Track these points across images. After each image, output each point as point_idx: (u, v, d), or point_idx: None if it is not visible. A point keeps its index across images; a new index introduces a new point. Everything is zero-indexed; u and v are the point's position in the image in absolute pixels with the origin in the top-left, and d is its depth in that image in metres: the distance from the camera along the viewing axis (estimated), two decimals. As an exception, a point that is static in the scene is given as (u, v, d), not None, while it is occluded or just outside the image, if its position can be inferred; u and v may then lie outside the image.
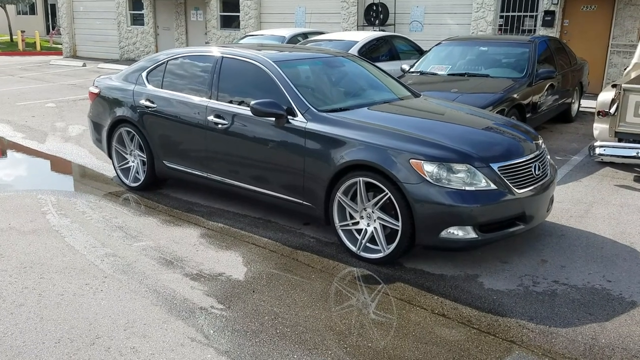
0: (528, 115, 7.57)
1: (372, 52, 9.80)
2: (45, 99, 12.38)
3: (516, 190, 4.10)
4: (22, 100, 12.29)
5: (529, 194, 4.18)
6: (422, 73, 8.31)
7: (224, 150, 5.07)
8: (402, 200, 4.01)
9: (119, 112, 5.90)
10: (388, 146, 4.11)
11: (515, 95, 7.27)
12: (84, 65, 19.75)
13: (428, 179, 3.94)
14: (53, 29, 31.73)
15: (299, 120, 4.57)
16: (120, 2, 20.38)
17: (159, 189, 5.99)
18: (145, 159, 5.79)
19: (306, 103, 4.63)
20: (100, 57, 21.65)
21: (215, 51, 5.38)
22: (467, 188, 3.94)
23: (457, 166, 3.98)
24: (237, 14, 17.54)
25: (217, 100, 5.15)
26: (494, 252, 4.49)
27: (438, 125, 4.57)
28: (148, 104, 5.62)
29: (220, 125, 5.03)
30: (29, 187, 6.03)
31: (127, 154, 6.04)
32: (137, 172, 5.96)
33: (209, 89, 5.23)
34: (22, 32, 28.05)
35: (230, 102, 5.06)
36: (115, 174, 6.21)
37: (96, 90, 6.29)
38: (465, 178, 3.97)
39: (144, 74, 5.87)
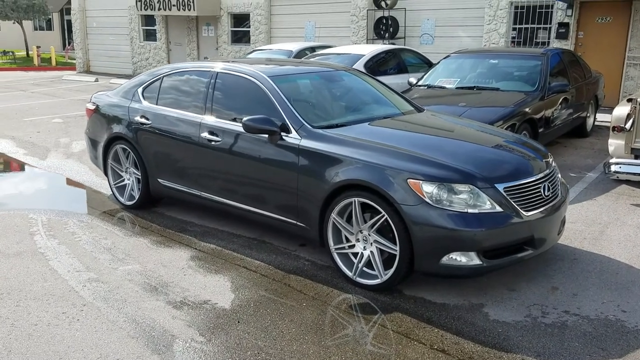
0: (540, 130, 7.27)
1: (379, 65, 9.58)
2: (52, 115, 12.32)
3: (524, 212, 3.81)
4: (29, 115, 12.24)
5: (538, 216, 3.89)
6: (429, 86, 8.06)
7: (218, 168, 4.85)
8: (400, 222, 3.74)
9: (115, 128, 5.73)
10: (384, 165, 3.86)
11: (526, 110, 6.98)
12: (96, 80, 19.80)
13: (427, 200, 3.67)
14: (69, 44, 32.04)
15: (292, 137, 4.34)
16: (133, 17, 20.46)
17: (154, 207, 5.79)
18: (140, 177, 5.60)
19: (300, 119, 4.40)
20: (113, 72, 21.72)
21: (210, 66, 5.18)
22: (470, 210, 3.66)
23: (459, 187, 3.71)
24: (248, 29, 17.46)
25: (211, 116, 4.94)
26: (501, 278, 4.20)
27: (440, 142, 4.31)
28: (143, 120, 5.44)
29: (213, 142, 4.82)
30: (22, 206, 5.87)
31: (122, 171, 5.86)
32: (132, 190, 5.76)
33: (204, 105, 5.03)
34: (38, 47, 28.32)
35: (225, 118, 4.85)
36: (111, 192, 6.02)
37: (93, 107, 6.13)
38: (468, 199, 3.70)
39: (139, 90, 5.69)
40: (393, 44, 13.83)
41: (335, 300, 3.86)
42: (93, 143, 6.12)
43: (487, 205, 3.71)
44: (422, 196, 3.69)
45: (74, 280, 4.09)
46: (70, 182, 6.87)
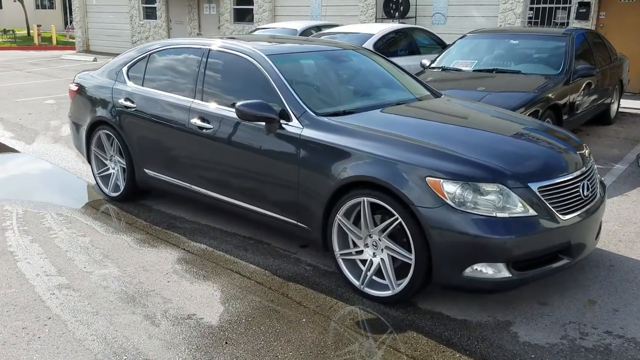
0: (565, 118, 6.69)
1: (389, 45, 8.96)
2: (46, 95, 11.78)
3: (560, 216, 3.27)
4: (23, 96, 11.71)
5: (575, 220, 3.35)
6: (444, 69, 7.46)
7: (209, 159, 4.31)
8: (416, 227, 3.21)
9: (98, 112, 5.19)
10: (399, 159, 3.31)
11: (550, 95, 6.39)
12: (95, 60, 19.19)
13: (449, 202, 3.13)
14: (70, 23, 31.38)
15: (293, 126, 3.79)
16: (134, -5, 19.80)
17: (142, 200, 5.26)
18: (125, 166, 5.07)
19: (302, 105, 3.85)
20: (113, 51, 21.08)
21: (203, 43, 4.62)
22: (499, 214, 3.12)
23: (486, 186, 3.16)
24: (251, 7, 16.79)
25: (202, 100, 4.39)
26: (531, 288, 3.66)
27: (462, 132, 3.76)
28: (127, 103, 4.89)
29: (204, 130, 4.27)
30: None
31: (106, 159, 5.33)
32: (118, 180, 5.24)
33: (194, 88, 4.48)
34: (39, 26, 27.66)
35: (217, 103, 4.30)
36: (95, 182, 5.50)
37: (75, 88, 5.59)
38: (497, 201, 3.15)
39: (124, 69, 5.14)
40: (403, 23, 13.16)
41: (339, 314, 3.34)
42: (76, 127, 5.59)
43: (519, 207, 3.17)
44: (442, 197, 3.14)
45: (42, 287, 3.59)
46: (54, 169, 6.35)
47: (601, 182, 3.98)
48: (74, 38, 23.86)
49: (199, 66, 4.49)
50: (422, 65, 7.88)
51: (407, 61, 8.78)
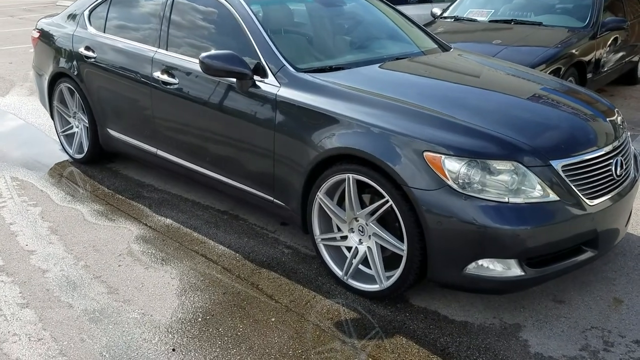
0: (589, 76, 5.98)
1: (397, -7, 8.15)
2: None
3: (587, 201, 2.66)
4: (8, 44, 11.06)
5: (605, 205, 2.74)
6: (457, 19, 6.70)
7: (176, 120, 3.71)
8: (410, 213, 2.61)
9: (58, 63, 4.57)
10: (391, 129, 2.69)
11: (574, 51, 5.67)
12: (92, 6, 18.32)
13: (451, 183, 2.52)
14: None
15: (269, 84, 3.16)
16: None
17: (110, 163, 4.70)
18: (88, 125, 4.49)
19: (280, 58, 3.20)
20: (111, -3, 20.16)
21: (171, -18, 3.94)
22: (512, 200, 2.52)
23: (499, 164, 2.55)
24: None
25: (166, 50, 3.76)
26: (547, 283, 3.08)
27: (471, 94, 3.11)
28: (87, 53, 4.27)
29: (169, 86, 3.65)
30: (-49, 156, 4.81)
31: (69, 116, 4.74)
32: (82, 140, 4.66)
33: (158, 35, 3.83)
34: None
35: (183, 53, 3.66)
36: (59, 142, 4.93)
37: (37, 34, 4.96)
38: (510, 183, 2.54)
39: (85, 13, 4.48)
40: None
41: (316, 312, 2.80)
42: (38, 80, 4.98)
43: (537, 191, 2.56)
44: (443, 177, 2.53)
45: (-30, 270, 3.07)
46: (21, 125, 5.78)
47: (635, 157, 3.36)
48: (72, -17, 22.91)
49: (164, 9, 3.83)
50: (433, 15, 7.12)
51: (417, 10, 8.03)
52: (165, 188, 4.24)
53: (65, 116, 4.76)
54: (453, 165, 2.53)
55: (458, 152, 2.54)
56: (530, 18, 6.31)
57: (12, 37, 11.93)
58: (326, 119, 2.89)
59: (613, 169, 2.83)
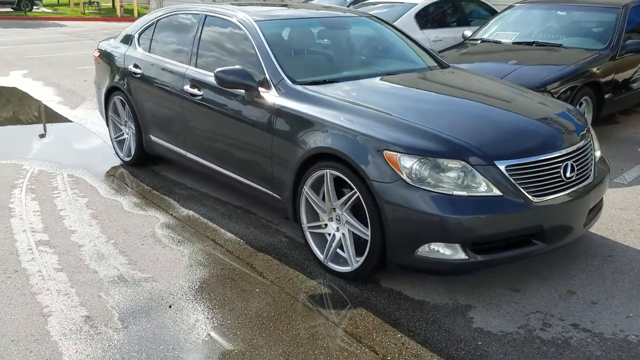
0: (607, 96, 6.18)
1: (434, 16, 8.60)
2: (107, 64, 12.27)
3: (532, 197, 3.03)
4: (85, 64, 12.25)
5: (553, 202, 3.09)
6: (483, 41, 7.06)
7: (199, 126, 4.34)
8: (372, 202, 3.08)
9: (113, 78, 5.34)
10: (360, 132, 3.18)
11: (591, 70, 5.91)
12: (166, 30, 19.75)
13: (405, 177, 2.97)
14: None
15: (271, 94, 3.73)
16: (205, -34, 20.13)
17: (153, 165, 5.39)
18: (135, 132, 5.21)
19: (281, 73, 3.76)
20: (185, 23, 21.64)
21: (202, 9, 4.61)
22: (456, 192, 2.93)
23: (448, 162, 2.98)
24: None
25: (195, 67, 4.41)
26: (508, 273, 3.44)
27: (441, 103, 3.56)
28: (135, 69, 5.00)
29: (195, 97, 4.29)
30: (21, 156, 5.65)
31: (121, 124, 5.49)
32: (131, 145, 5.39)
33: (189, 54, 4.49)
34: (121, -2, 28.78)
35: (208, 69, 4.29)
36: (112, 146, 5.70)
37: (97, 54, 5.77)
38: (457, 179, 2.96)
39: (136, 36, 5.24)
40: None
41: (295, 287, 3.29)
42: (98, 93, 5.79)
43: (482, 187, 2.96)
44: (398, 172, 2.99)
45: (23, 242, 3.77)
46: (84, 133, 6.63)
47: (602, 163, 3.66)
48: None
49: (196, 32, 4.49)
50: (464, 37, 7.50)
51: (452, 33, 8.43)
52: (194, 187, 4.87)
53: (118, 124, 5.52)
54: (407, 162, 2.98)
55: (411, 151, 2.99)
56: (553, 40, 6.59)
57: (89, 58, 13.17)
58: (310, 124, 3.41)
59: (562, 171, 3.18)
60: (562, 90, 5.59)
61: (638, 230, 4.05)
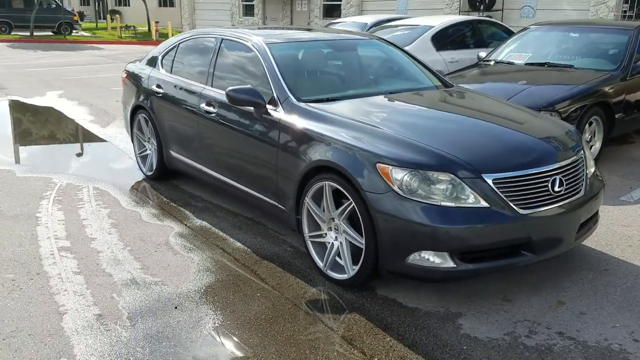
0: (618, 116, 6.24)
1: (451, 38, 8.78)
2: (139, 85, 12.78)
3: (519, 210, 3.17)
4: (118, 85, 12.76)
5: (540, 214, 3.22)
6: (497, 62, 7.22)
7: (213, 142, 4.60)
8: (366, 212, 3.26)
9: (137, 97, 5.67)
10: (356, 146, 3.38)
11: (601, 90, 6.01)
12: (197, 53, 20.40)
13: (396, 189, 3.15)
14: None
15: (277, 111, 3.96)
16: (236, -8, 20.81)
17: (173, 180, 5.67)
18: (156, 148, 5.51)
19: (287, 91, 4.00)
20: (216, 46, 22.31)
21: (219, 33, 4.91)
22: (445, 203, 3.09)
23: (437, 175, 3.15)
24: (339, 2, 17.02)
25: (211, 86, 4.68)
26: (503, 284, 3.57)
27: (436, 120, 3.75)
28: (157, 89, 5.31)
29: (210, 114, 4.56)
30: (51, 170, 6.00)
31: (145, 141, 5.80)
32: (153, 161, 5.69)
33: (206, 75, 4.78)
34: (157, 22, 29.77)
35: (221, 88, 4.56)
36: (136, 161, 6.01)
37: (125, 75, 6.13)
38: (446, 191, 3.13)
39: (159, 58, 5.57)
40: (489, 17, 12.75)
41: (295, 293, 3.47)
42: (125, 112, 6.13)
43: (470, 199, 3.12)
44: (390, 184, 3.17)
45: (47, 248, 4.05)
46: (112, 149, 6.98)
47: (596, 178, 3.77)
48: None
49: (213, 54, 4.78)
50: (478, 58, 7.68)
51: (468, 54, 8.58)
52: (210, 199, 5.12)
53: (142, 141, 5.83)
54: (398, 174, 3.16)
55: (402, 164, 3.17)
56: (564, 61, 6.70)
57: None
58: (312, 138, 3.63)
59: (550, 185, 3.31)
60: (570, 110, 5.69)
61: (637, 246, 4.13)
